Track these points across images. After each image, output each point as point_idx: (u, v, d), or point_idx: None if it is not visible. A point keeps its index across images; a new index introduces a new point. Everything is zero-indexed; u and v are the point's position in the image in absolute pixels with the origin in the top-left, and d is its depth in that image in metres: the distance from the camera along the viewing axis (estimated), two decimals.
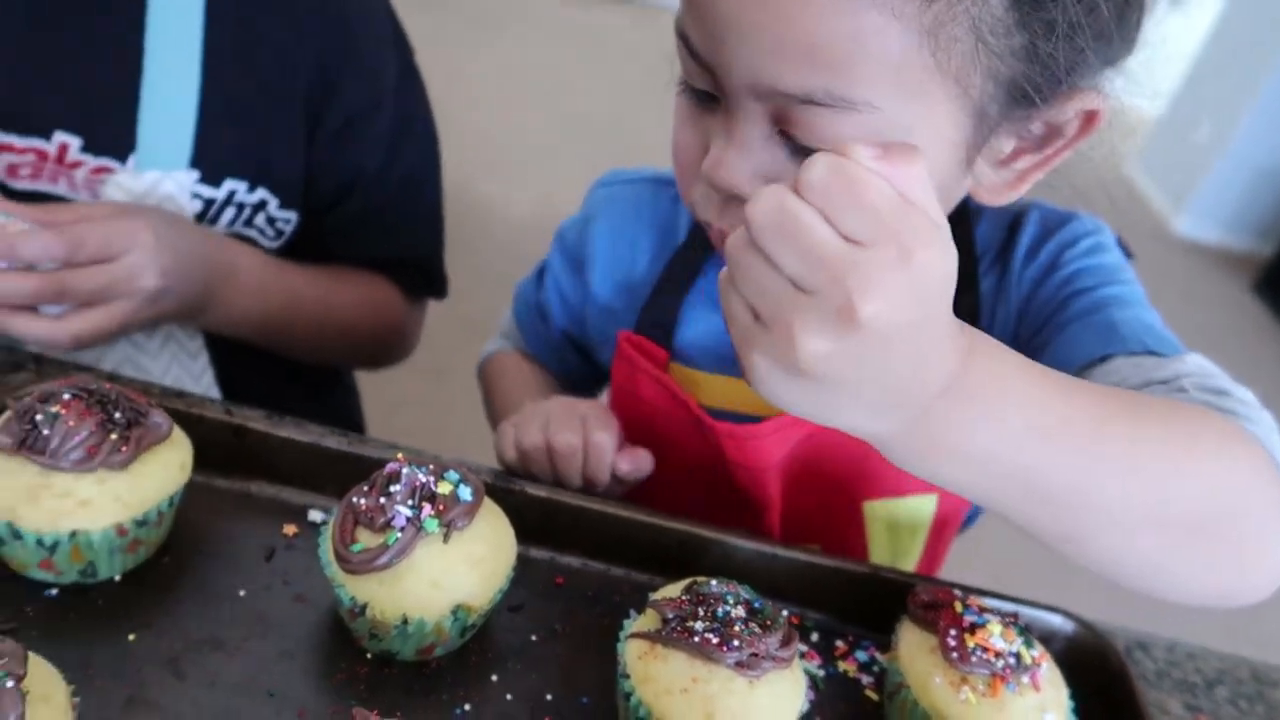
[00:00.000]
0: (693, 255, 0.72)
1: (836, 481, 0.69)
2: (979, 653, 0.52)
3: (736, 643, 0.49)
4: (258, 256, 0.81)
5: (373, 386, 1.12)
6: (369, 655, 0.53)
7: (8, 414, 0.52)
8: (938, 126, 0.51)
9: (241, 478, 0.60)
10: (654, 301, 0.73)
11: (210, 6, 0.75)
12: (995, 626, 0.53)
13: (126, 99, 0.74)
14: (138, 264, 0.67)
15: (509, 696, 0.53)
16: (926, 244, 0.37)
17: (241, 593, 0.54)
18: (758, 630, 0.50)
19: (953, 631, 0.53)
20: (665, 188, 0.76)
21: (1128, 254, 0.68)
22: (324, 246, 0.88)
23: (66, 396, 0.51)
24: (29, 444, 0.50)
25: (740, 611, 0.51)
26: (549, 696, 0.54)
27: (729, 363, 0.70)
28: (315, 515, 0.60)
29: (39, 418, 0.50)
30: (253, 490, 0.60)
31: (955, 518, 0.73)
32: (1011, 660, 0.52)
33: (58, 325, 0.65)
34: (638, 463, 0.66)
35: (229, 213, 0.79)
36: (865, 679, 0.59)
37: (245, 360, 0.86)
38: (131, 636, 0.51)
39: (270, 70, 0.78)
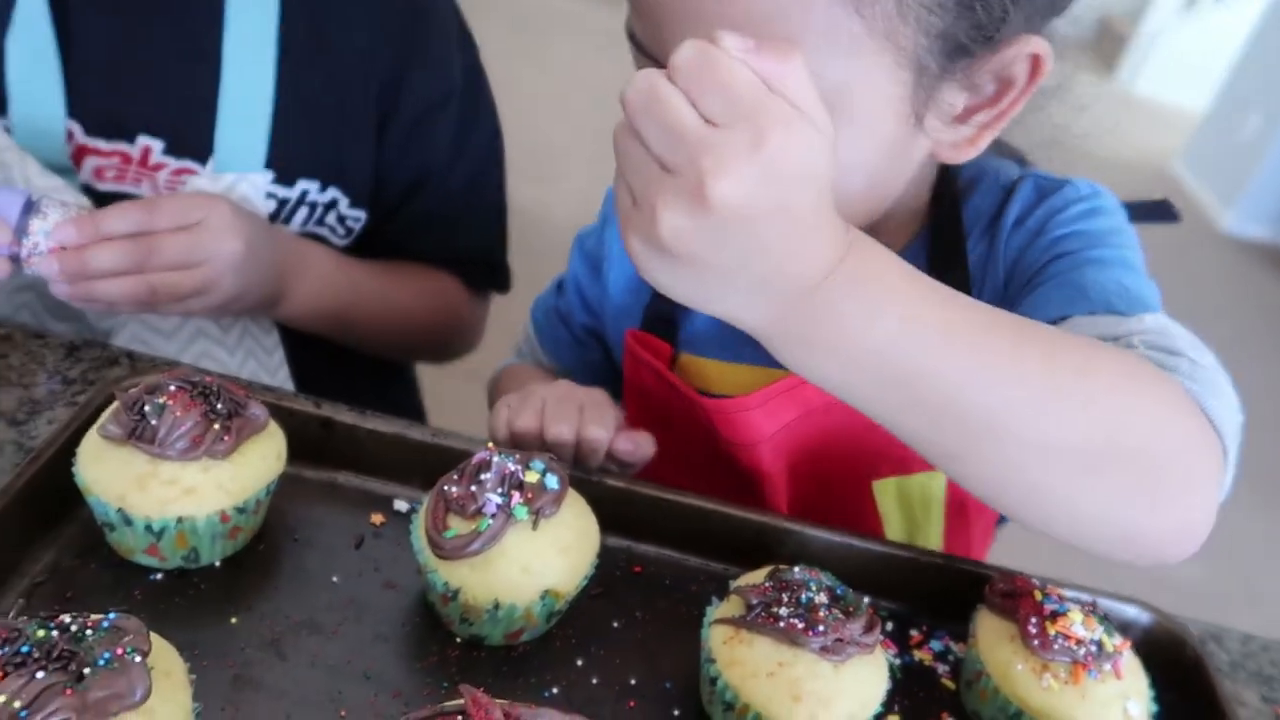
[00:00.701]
0: None
1: (841, 461, 0.70)
2: (1060, 640, 0.52)
3: (821, 628, 0.50)
4: (322, 250, 0.83)
5: None
6: (458, 639, 0.55)
7: (115, 405, 0.54)
8: (877, 84, 0.51)
9: (329, 468, 0.62)
10: (658, 296, 0.74)
11: (285, 11, 0.78)
12: (1076, 615, 0.53)
13: (206, 103, 0.77)
14: (218, 227, 0.69)
15: (594, 680, 0.54)
16: (783, 129, 0.38)
17: (335, 579, 0.56)
18: (841, 616, 0.51)
19: (1033, 619, 0.54)
20: None
21: (1167, 217, 0.67)
22: (391, 243, 0.90)
23: (172, 388, 0.53)
24: (138, 434, 0.52)
25: (823, 598, 0.52)
26: (633, 680, 0.55)
27: (736, 350, 0.71)
28: (400, 505, 0.62)
29: (147, 409, 0.52)
30: (340, 480, 0.62)
31: (975, 512, 0.72)
32: (1093, 648, 0.52)
33: (143, 283, 0.67)
34: (638, 444, 0.64)
35: (302, 212, 0.81)
36: (941, 667, 0.60)
37: (317, 355, 0.88)
38: (234, 619, 0.53)
39: (343, 71, 0.81)
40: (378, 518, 0.60)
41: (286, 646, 0.52)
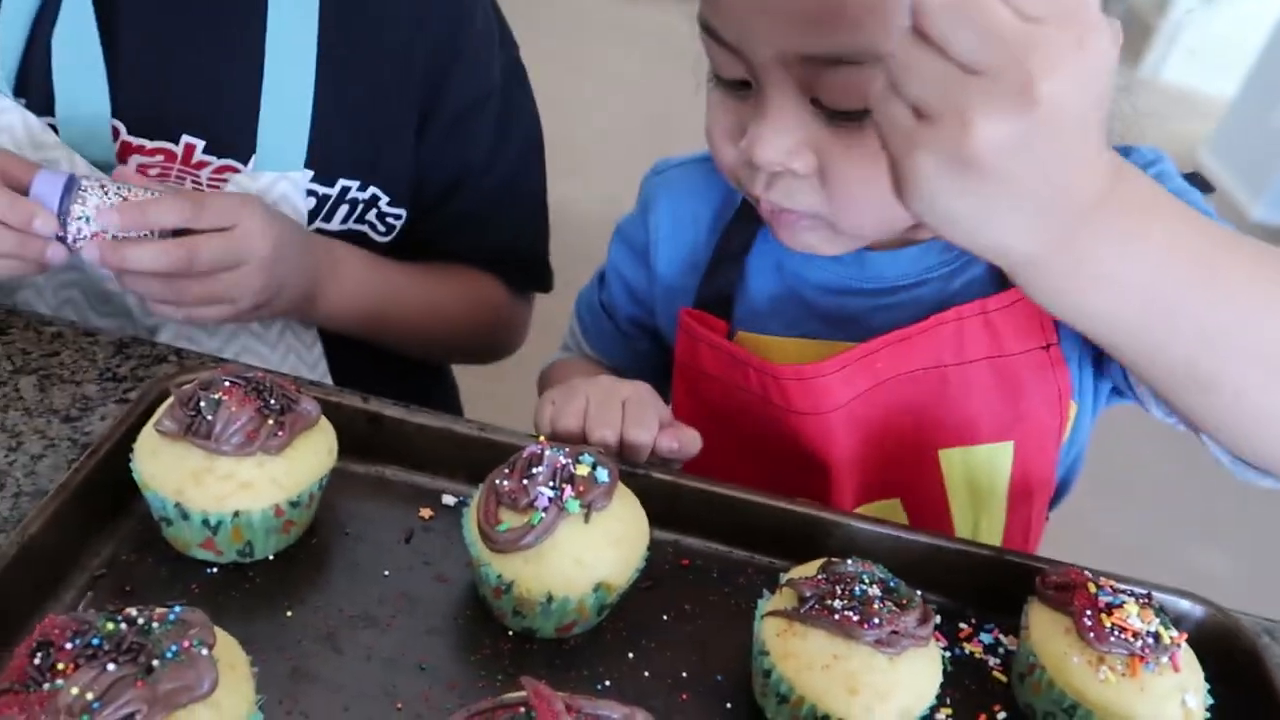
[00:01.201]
0: (745, 225, 0.74)
1: (910, 429, 0.69)
2: (1116, 633, 0.52)
3: (876, 620, 0.50)
4: (357, 253, 0.83)
5: None
6: (510, 632, 0.55)
7: (170, 401, 0.54)
8: None
9: (377, 463, 0.63)
10: (712, 273, 0.74)
11: (325, 10, 0.78)
12: (1132, 607, 0.53)
13: (248, 103, 0.77)
14: (251, 231, 0.69)
15: (646, 673, 0.54)
16: (1099, 33, 0.37)
17: (386, 572, 0.57)
18: (895, 609, 0.51)
19: (1088, 612, 0.53)
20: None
21: (1205, 188, 0.67)
22: (430, 242, 0.90)
23: (227, 384, 0.53)
24: (194, 429, 0.52)
25: (876, 590, 0.52)
26: (684, 673, 0.55)
27: (794, 323, 0.72)
28: (448, 499, 0.62)
29: (202, 404, 0.53)
30: (388, 475, 0.62)
31: (1038, 487, 0.72)
32: (1150, 640, 0.52)
33: (167, 284, 0.67)
34: (682, 442, 0.63)
35: (342, 209, 0.82)
36: (992, 660, 0.59)
37: (355, 352, 0.88)
38: (289, 612, 0.53)
39: (382, 71, 0.81)
40: (426, 512, 0.61)
41: (341, 639, 0.53)
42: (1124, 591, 0.55)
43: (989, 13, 0.36)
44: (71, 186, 0.65)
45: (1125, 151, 0.65)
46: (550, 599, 0.52)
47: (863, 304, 0.71)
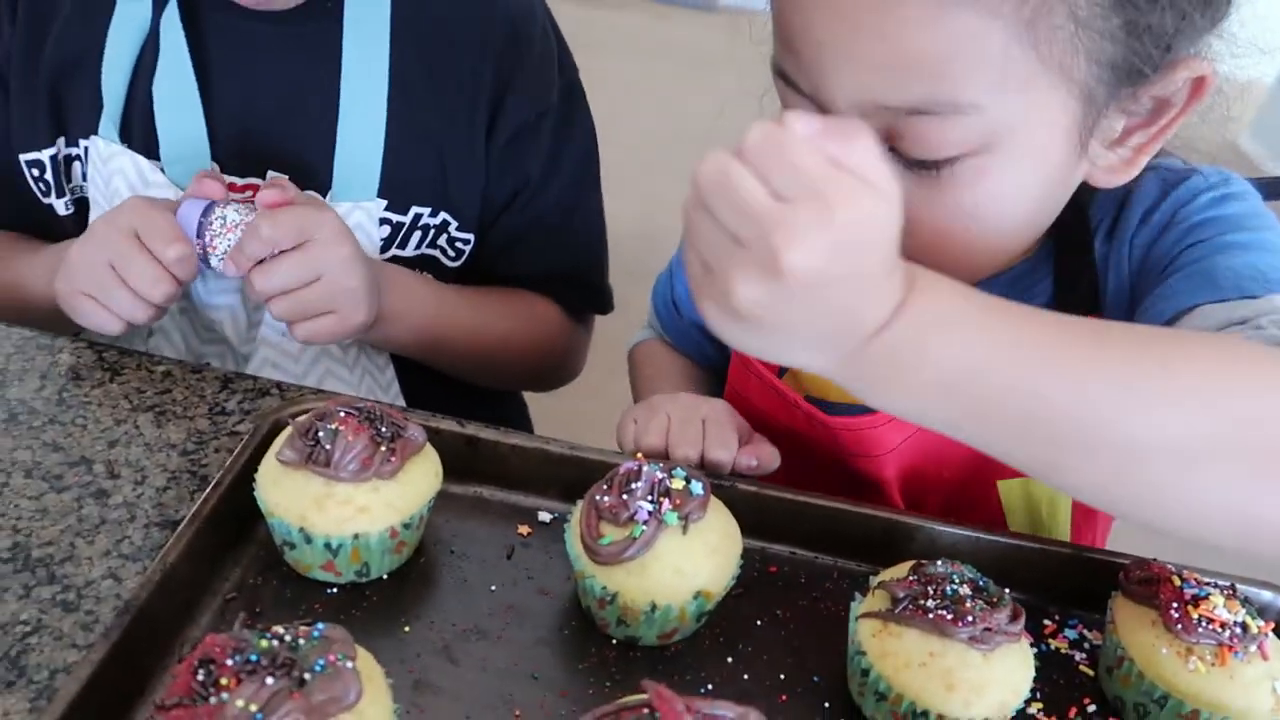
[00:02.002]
0: None
1: (966, 463, 0.70)
2: (1204, 624, 0.54)
3: (970, 618, 0.52)
4: (407, 272, 0.84)
5: None
6: (614, 641, 0.58)
7: (288, 432, 0.58)
8: (1047, 116, 0.52)
9: (475, 483, 0.66)
10: None
11: (395, 46, 0.82)
12: (1218, 598, 0.54)
13: (325, 138, 0.81)
14: (329, 239, 0.72)
15: (745, 676, 0.57)
16: (850, 203, 0.39)
17: (493, 587, 0.60)
18: (986, 607, 0.53)
19: (1174, 604, 0.55)
20: None
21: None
22: (487, 265, 0.92)
23: (341, 414, 0.57)
24: (313, 458, 0.56)
25: (966, 590, 0.54)
26: (782, 676, 0.57)
27: None
28: (544, 516, 0.65)
29: (320, 434, 0.56)
30: (485, 495, 0.66)
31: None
32: (1238, 629, 0.53)
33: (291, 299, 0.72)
34: (761, 458, 0.66)
35: (415, 236, 0.85)
36: (1078, 655, 0.61)
37: (425, 374, 0.92)
38: (407, 628, 0.57)
39: (450, 98, 0.84)
40: (524, 529, 0.64)
41: (457, 652, 0.56)
42: (1208, 584, 0.56)
43: (742, 191, 0.40)
44: (209, 211, 0.69)
45: (1185, 175, 0.64)
46: (654, 608, 0.55)
47: None
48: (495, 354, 0.92)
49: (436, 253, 0.88)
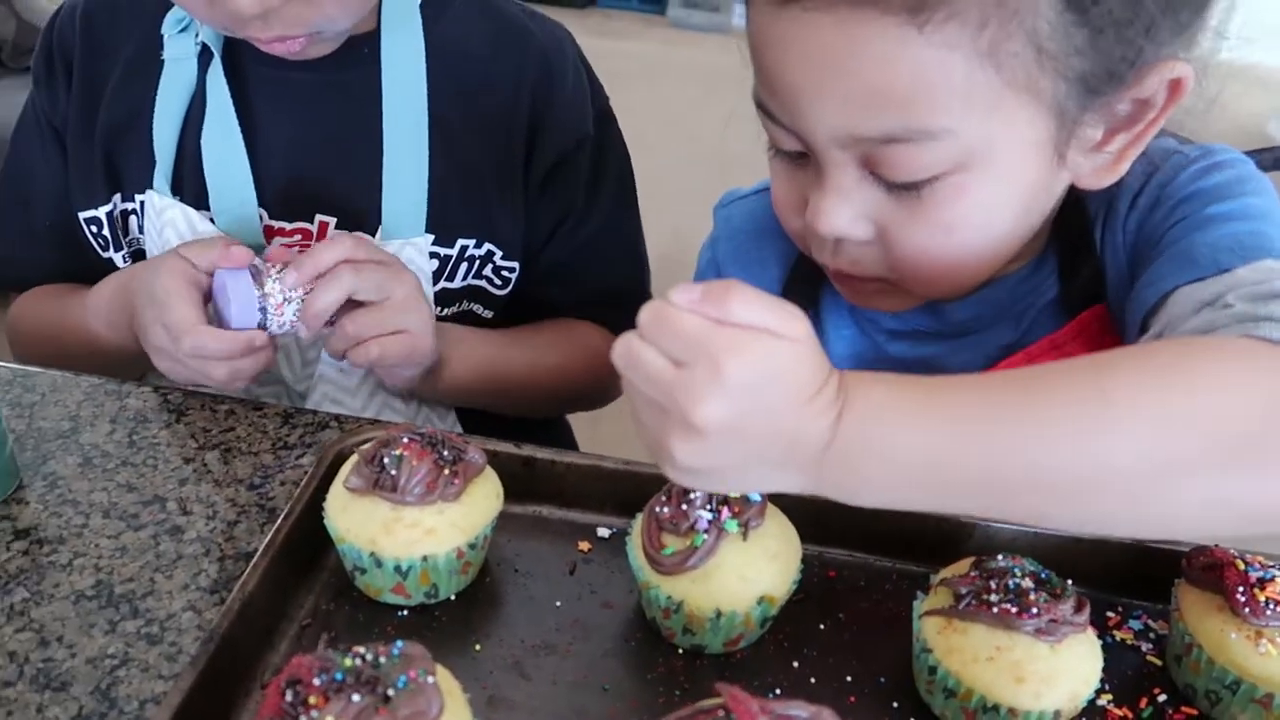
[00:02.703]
0: (814, 266, 0.72)
1: None
2: (1272, 606, 0.53)
3: (1035, 610, 0.52)
4: (462, 328, 0.87)
5: None
6: (680, 650, 0.58)
7: (354, 460, 0.60)
8: (1019, 134, 0.54)
9: (533, 503, 0.67)
10: None
11: (432, 84, 0.84)
12: None
13: (371, 179, 0.84)
14: (411, 293, 0.75)
15: (813, 680, 0.57)
16: (736, 353, 0.42)
17: (558, 603, 0.61)
18: (1050, 599, 0.53)
19: (1240, 588, 0.55)
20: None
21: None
22: (534, 293, 0.94)
23: (405, 440, 0.59)
24: (379, 484, 0.58)
25: (1029, 583, 0.54)
26: (849, 677, 0.58)
27: (868, 365, 0.72)
28: (602, 532, 0.66)
29: (385, 461, 0.58)
30: (544, 513, 0.67)
31: None
32: None
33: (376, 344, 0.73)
34: None
35: (462, 267, 0.87)
36: (1144, 645, 0.61)
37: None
38: (477, 646, 0.58)
39: (488, 133, 0.86)
40: (584, 545, 0.65)
41: (528, 667, 0.57)
42: (1272, 566, 0.56)
43: (646, 364, 0.44)
44: (256, 277, 0.71)
45: (1166, 154, 0.64)
46: (719, 614, 0.55)
47: (935, 348, 0.72)
48: (548, 388, 0.93)
49: (483, 283, 0.90)
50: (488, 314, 0.91)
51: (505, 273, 0.91)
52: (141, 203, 0.84)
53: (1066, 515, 0.46)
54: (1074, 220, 0.65)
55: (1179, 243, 0.59)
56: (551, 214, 0.92)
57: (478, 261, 0.88)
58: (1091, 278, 0.65)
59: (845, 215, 0.59)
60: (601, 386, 1.00)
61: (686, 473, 0.46)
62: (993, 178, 0.55)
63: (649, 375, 0.44)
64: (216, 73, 0.81)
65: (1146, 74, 0.53)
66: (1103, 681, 0.57)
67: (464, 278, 0.88)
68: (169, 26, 0.83)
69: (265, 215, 0.84)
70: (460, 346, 0.85)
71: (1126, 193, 0.64)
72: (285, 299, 0.70)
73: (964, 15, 0.49)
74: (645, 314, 0.45)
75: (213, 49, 0.81)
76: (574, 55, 0.92)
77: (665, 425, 0.44)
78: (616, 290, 0.98)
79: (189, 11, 0.76)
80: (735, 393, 0.42)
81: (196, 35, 0.82)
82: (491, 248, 0.88)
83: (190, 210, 0.81)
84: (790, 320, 0.44)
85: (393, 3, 0.83)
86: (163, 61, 0.83)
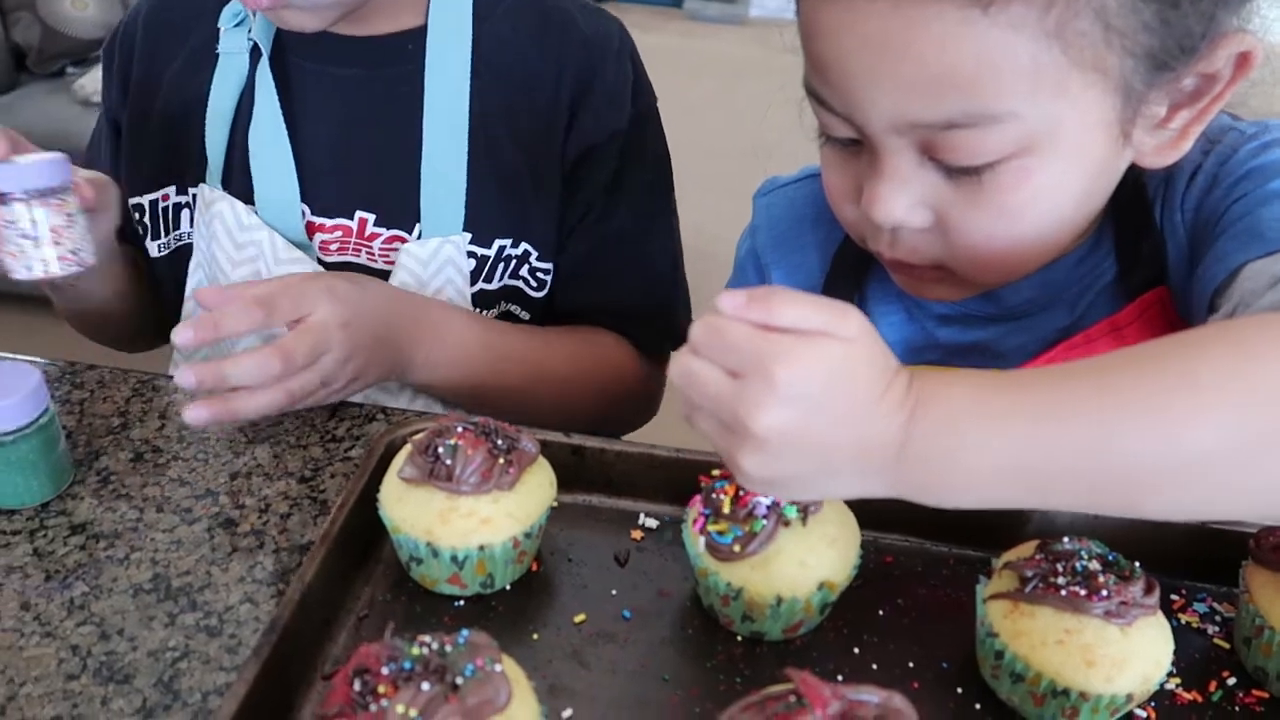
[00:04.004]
0: (858, 251, 0.71)
1: None
2: None
3: (1104, 593, 0.51)
4: (460, 313, 0.82)
5: None
6: (739, 637, 0.58)
7: (408, 450, 0.59)
8: (1085, 115, 0.52)
9: (583, 492, 0.67)
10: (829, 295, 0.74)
11: (475, 84, 0.83)
12: None
13: (410, 177, 0.84)
14: (325, 316, 0.69)
15: (874, 666, 0.57)
16: (787, 360, 0.42)
17: (613, 592, 0.60)
18: (1119, 581, 0.52)
19: None
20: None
21: None
22: (558, 296, 0.90)
23: (459, 429, 0.58)
24: (434, 474, 0.57)
25: (1096, 565, 0.53)
26: (910, 663, 0.57)
27: (919, 352, 0.72)
28: (651, 522, 0.66)
29: (440, 450, 0.57)
30: (594, 503, 0.67)
31: None
32: None
33: (284, 393, 0.67)
34: None
35: (500, 268, 0.87)
36: (1211, 628, 0.60)
37: None
38: (535, 635, 0.58)
39: (528, 131, 0.86)
40: (636, 534, 0.64)
41: (587, 656, 0.56)
42: None
43: (703, 382, 0.44)
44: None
45: (1224, 131, 0.62)
46: (779, 601, 0.55)
47: (986, 333, 0.70)
48: (558, 397, 0.87)
49: (520, 283, 0.88)
50: (525, 315, 0.90)
51: (541, 274, 0.89)
52: (194, 196, 0.85)
53: (1162, 505, 0.44)
54: (1132, 200, 0.64)
55: (1243, 219, 0.57)
56: (573, 210, 0.88)
57: (514, 262, 0.87)
58: (1151, 258, 0.64)
59: (903, 203, 0.57)
60: (624, 406, 0.94)
61: (760, 484, 0.46)
62: (1057, 160, 0.54)
63: (708, 392, 0.44)
64: (264, 70, 0.81)
65: (1216, 47, 0.52)
66: (1171, 665, 0.56)
67: (501, 278, 0.87)
68: (225, 19, 0.84)
69: (308, 211, 0.84)
70: (443, 344, 0.79)
71: (1184, 171, 0.63)
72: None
73: None
74: (698, 329, 0.45)
75: (261, 47, 0.81)
76: (622, 49, 0.89)
77: (730, 440, 0.44)
78: (642, 303, 0.92)
79: None
80: (792, 400, 0.42)
81: (250, 31, 0.82)
82: (528, 248, 0.87)
83: (237, 203, 0.82)
84: (842, 319, 0.43)
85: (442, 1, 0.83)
86: (218, 55, 0.83)
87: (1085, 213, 0.60)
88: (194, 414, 0.65)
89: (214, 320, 0.66)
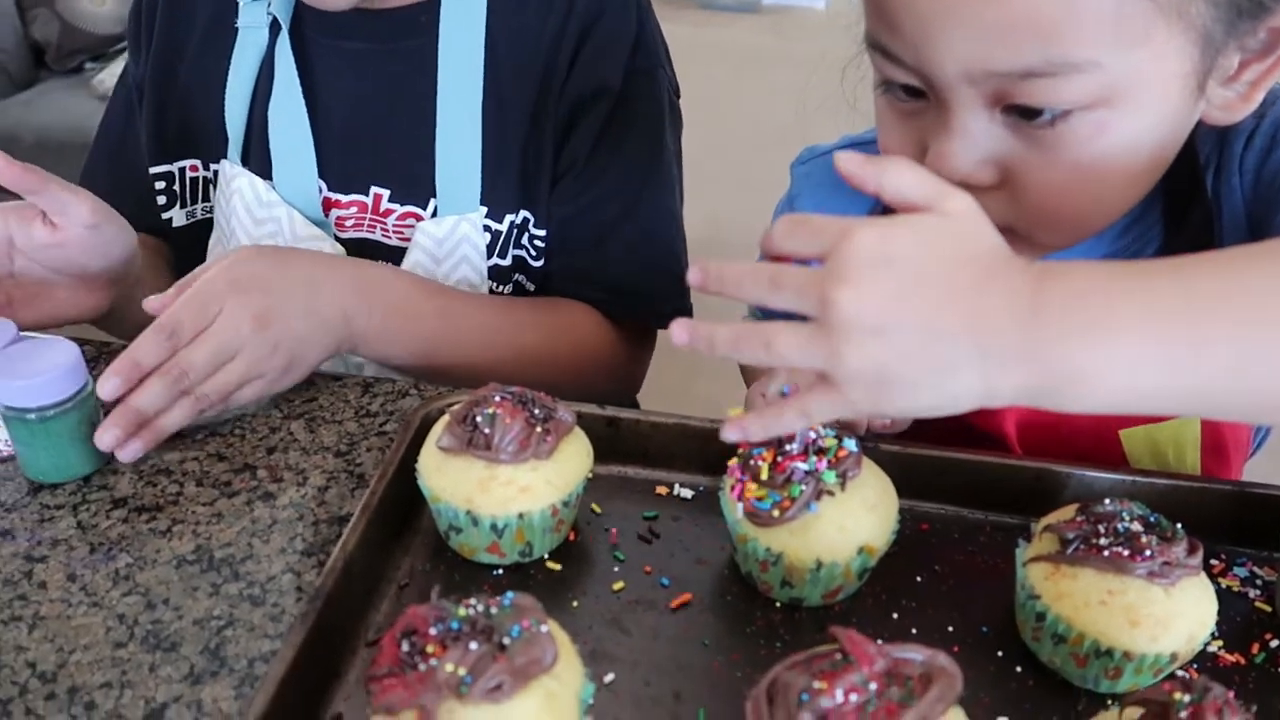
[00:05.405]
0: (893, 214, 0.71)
1: (1085, 415, 0.68)
2: None
3: (1148, 553, 0.51)
4: (404, 276, 0.79)
5: None
6: (778, 604, 0.58)
7: (445, 421, 0.60)
8: (1166, 65, 0.51)
9: (618, 463, 0.67)
10: None
11: (489, 55, 0.83)
12: None
13: (425, 154, 0.83)
14: (231, 315, 0.67)
15: (914, 630, 0.57)
16: (872, 226, 0.42)
17: (650, 560, 0.61)
18: (1162, 541, 0.52)
19: None
20: (863, 150, 0.75)
21: None
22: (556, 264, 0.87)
23: (497, 399, 0.59)
24: (473, 443, 0.58)
25: (1138, 526, 0.53)
26: (950, 628, 0.57)
27: None
28: (685, 492, 0.66)
29: (478, 419, 0.58)
30: (630, 474, 0.67)
31: (1234, 447, 0.70)
32: None
33: (193, 400, 0.66)
34: (894, 420, 0.65)
35: (511, 238, 0.86)
36: (1252, 592, 0.60)
37: None
38: (575, 603, 0.58)
39: (533, 96, 0.84)
40: (672, 503, 0.65)
41: (627, 622, 0.57)
42: None
43: (791, 278, 0.43)
44: None
45: (1276, 97, 0.61)
46: (819, 565, 0.55)
47: None
48: (517, 366, 0.81)
49: (522, 253, 0.87)
50: (531, 286, 0.89)
51: (539, 242, 0.86)
52: (216, 172, 0.85)
53: None
54: (1185, 167, 0.63)
55: None
56: (558, 168, 0.85)
57: (515, 230, 0.86)
58: (1201, 225, 0.63)
59: (972, 158, 0.55)
60: (598, 377, 0.88)
61: (867, 384, 0.42)
62: (1135, 112, 0.53)
63: (798, 286, 0.42)
64: (284, 45, 0.82)
65: None
66: (1213, 629, 0.56)
67: (510, 249, 0.86)
68: None
69: (324, 186, 0.84)
70: (383, 305, 0.75)
71: (1240, 135, 0.63)
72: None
73: None
74: (779, 224, 0.43)
75: (281, 21, 0.81)
76: (627, 8, 0.86)
77: (825, 342, 0.41)
78: (627, 276, 0.87)
79: None
80: (881, 266, 0.40)
81: (269, 5, 0.82)
82: (526, 214, 0.85)
83: (256, 180, 0.82)
84: (947, 195, 0.42)
85: None
86: (236, 30, 0.84)
87: (1157, 168, 0.59)
88: (129, 451, 0.65)
89: (132, 360, 0.65)
